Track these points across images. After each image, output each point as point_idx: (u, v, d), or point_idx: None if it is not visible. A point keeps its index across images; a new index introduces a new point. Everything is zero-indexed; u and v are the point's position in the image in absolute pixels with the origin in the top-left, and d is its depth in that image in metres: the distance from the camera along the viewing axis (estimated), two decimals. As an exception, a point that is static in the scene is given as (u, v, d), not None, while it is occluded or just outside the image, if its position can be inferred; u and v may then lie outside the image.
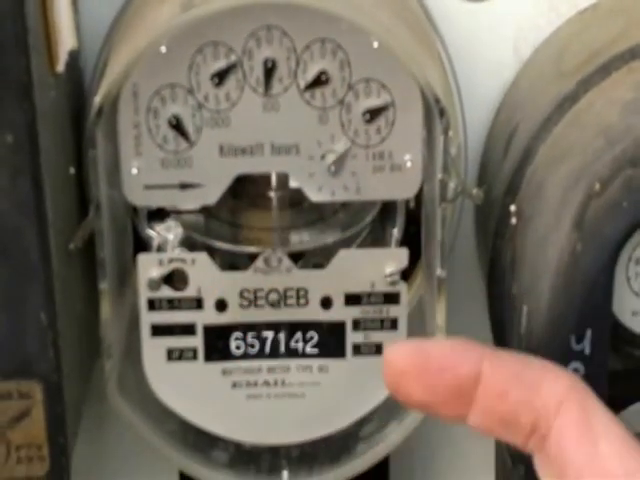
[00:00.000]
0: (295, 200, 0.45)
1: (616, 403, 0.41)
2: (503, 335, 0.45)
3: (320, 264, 0.44)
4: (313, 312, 0.43)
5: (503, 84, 0.50)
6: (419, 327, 0.45)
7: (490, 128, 0.51)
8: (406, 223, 0.45)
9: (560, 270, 0.38)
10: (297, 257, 0.44)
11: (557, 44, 0.48)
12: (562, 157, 0.42)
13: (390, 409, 0.44)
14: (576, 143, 0.42)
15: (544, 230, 0.41)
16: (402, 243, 0.45)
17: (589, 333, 0.38)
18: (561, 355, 0.38)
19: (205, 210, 0.45)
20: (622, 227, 0.37)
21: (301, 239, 0.44)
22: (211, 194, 0.43)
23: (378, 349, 0.44)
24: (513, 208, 0.45)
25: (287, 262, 0.43)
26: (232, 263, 0.45)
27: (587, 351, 0.38)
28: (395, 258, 0.43)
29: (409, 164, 0.42)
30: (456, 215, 0.49)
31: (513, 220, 0.44)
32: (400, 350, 0.35)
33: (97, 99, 0.40)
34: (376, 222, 0.45)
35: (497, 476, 0.48)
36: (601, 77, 0.43)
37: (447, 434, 0.57)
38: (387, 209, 0.45)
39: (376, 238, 0.46)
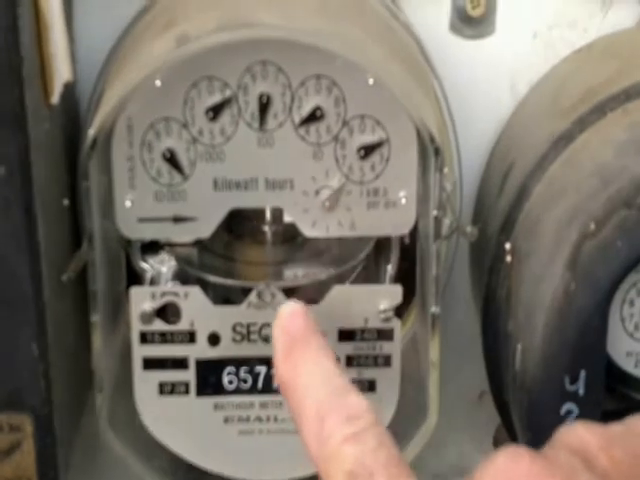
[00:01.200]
0: (289, 235, 0.45)
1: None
2: (498, 372, 0.45)
3: (314, 299, 0.43)
4: (306, 348, 0.44)
5: (499, 121, 0.51)
6: (412, 363, 0.44)
7: (486, 165, 0.51)
8: (400, 259, 0.45)
9: (554, 309, 0.38)
10: (291, 292, 0.44)
11: (553, 83, 0.49)
12: (557, 196, 0.42)
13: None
14: (571, 182, 0.42)
15: (539, 269, 0.41)
16: (396, 279, 0.45)
17: (583, 374, 0.38)
18: (555, 396, 0.38)
19: (199, 243, 0.45)
20: (616, 268, 0.37)
21: (295, 274, 0.44)
22: (205, 228, 0.43)
23: (371, 385, 0.43)
24: (508, 246, 0.44)
25: (280, 297, 0.43)
26: (226, 297, 0.45)
27: (581, 392, 0.38)
28: (389, 295, 0.43)
29: (404, 201, 0.42)
30: (451, 252, 0.49)
31: (508, 258, 0.44)
32: None
33: (91, 131, 0.40)
34: (370, 258, 0.45)
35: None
36: (596, 117, 0.44)
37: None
38: (381, 245, 0.45)
39: (370, 274, 0.45)
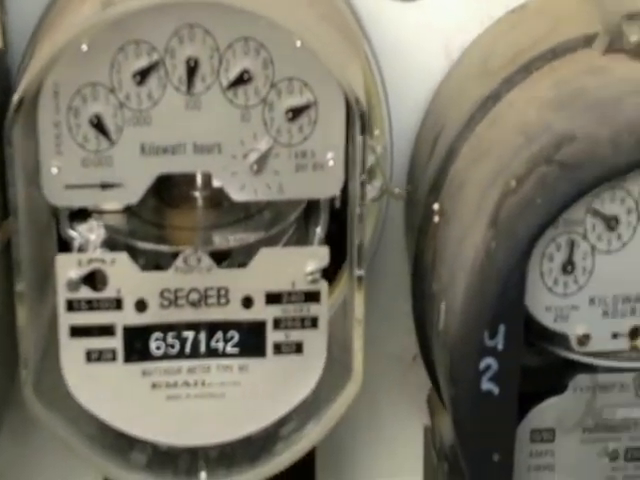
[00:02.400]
0: (219, 199, 0.44)
1: (530, 398, 0.42)
2: (425, 333, 0.45)
3: (244, 263, 0.43)
4: (234, 312, 0.43)
5: (433, 85, 0.51)
6: (342, 327, 0.45)
7: (419, 128, 0.51)
8: (337, 223, 0.45)
9: (474, 266, 0.38)
10: (220, 256, 0.44)
11: (485, 45, 0.49)
12: (482, 156, 0.43)
13: (309, 408, 0.44)
14: (496, 142, 0.42)
15: (463, 228, 0.41)
16: (332, 243, 0.45)
17: (502, 329, 0.38)
18: (474, 350, 0.38)
19: (128, 210, 0.45)
20: (535, 224, 0.37)
21: (224, 238, 0.44)
22: (133, 194, 0.42)
23: (299, 348, 0.43)
24: (436, 207, 0.45)
25: (207, 261, 0.43)
26: (157, 264, 0.44)
27: (500, 347, 0.38)
28: (316, 257, 0.43)
29: (331, 163, 0.42)
30: (382, 214, 0.49)
31: (436, 219, 0.45)
32: None
33: (15, 96, 0.40)
34: (301, 221, 0.45)
35: (425, 472, 0.48)
36: (523, 76, 0.44)
37: (375, 431, 0.58)
38: (313, 208, 0.45)
39: (301, 237, 0.45)
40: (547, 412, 0.41)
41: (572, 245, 0.39)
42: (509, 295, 0.38)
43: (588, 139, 0.37)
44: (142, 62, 0.41)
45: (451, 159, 0.45)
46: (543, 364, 0.41)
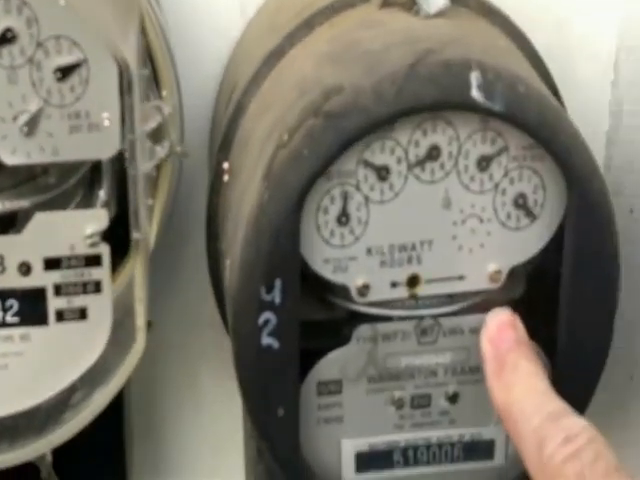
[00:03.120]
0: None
1: (319, 352, 0.41)
2: (219, 290, 0.45)
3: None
4: (11, 279, 0.42)
5: (230, 43, 0.51)
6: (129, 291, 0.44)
7: (219, 87, 0.51)
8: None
9: (250, 221, 0.38)
10: (12, 223, 0.43)
11: (276, 1, 0.49)
12: (264, 111, 0.42)
13: (96, 375, 0.43)
14: (276, 97, 0.42)
15: (244, 184, 0.41)
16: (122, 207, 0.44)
17: (278, 283, 0.38)
18: (252, 305, 0.38)
19: None
20: (304, 176, 0.37)
21: (2, 203, 0.43)
22: None
23: (82, 314, 0.42)
24: (226, 165, 0.45)
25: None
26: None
27: (277, 301, 0.38)
28: (95, 219, 0.41)
29: (107, 123, 0.41)
30: (176, 175, 0.48)
31: (226, 177, 0.44)
32: None
33: None
34: (86, 184, 0.44)
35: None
36: (305, 32, 0.44)
37: (194, 401, 0.58)
38: (98, 171, 0.44)
39: (90, 202, 0.44)
40: (332, 364, 0.41)
41: (345, 197, 0.39)
42: (283, 248, 0.38)
43: (353, 90, 0.37)
44: None
45: (239, 116, 0.44)
46: (328, 317, 0.41)
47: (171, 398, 0.58)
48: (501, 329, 0.39)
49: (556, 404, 0.36)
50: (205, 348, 0.57)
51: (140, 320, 0.41)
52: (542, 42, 0.50)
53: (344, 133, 0.37)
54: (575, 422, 0.35)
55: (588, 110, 0.55)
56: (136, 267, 0.41)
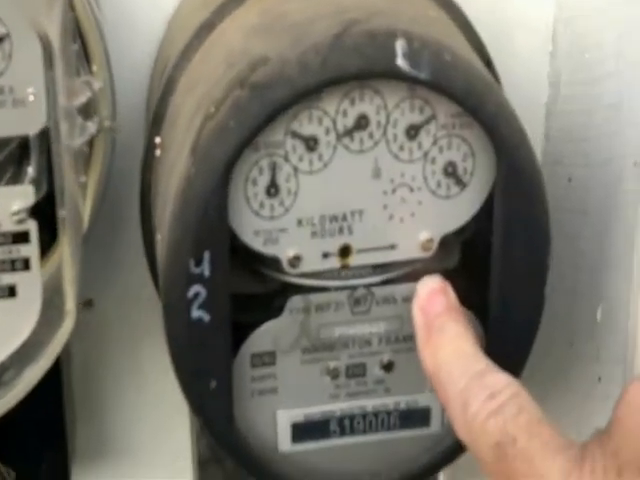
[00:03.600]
0: None
1: (247, 325, 0.41)
2: (154, 266, 0.45)
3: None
4: (-61, 258, 0.42)
5: (165, 17, 0.50)
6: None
7: (154, 62, 0.51)
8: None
9: (178, 195, 0.38)
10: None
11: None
12: (194, 85, 0.42)
13: (26, 353, 0.43)
14: (205, 70, 0.42)
15: (173, 158, 0.41)
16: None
17: (207, 255, 0.38)
18: (181, 279, 0.38)
19: None
20: (230, 147, 0.37)
21: None
22: None
23: (11, 291, 0.42)
24: (158, 140, 0.44)
25: None
26: None
27: (207, 273, 0.38)
28: (21, 196, 0.41)
29: (32, 98, 0.40)
30: (109, 151, 0.48)
31: (158, 152, 0.44)
32: None
33: None
34: (15, 161, 0.44)
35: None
36: (235, 5, 0.44)
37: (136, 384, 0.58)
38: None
39: (17, 178, 0.44)
40: (265, 336, 0.41)
41: (274, 168, 0.38)
42: (210, 221, 0.37)
43: (279, 61, 0.37)
44: None
45: (170, 91, 0.44)
46: (260, 289, 0.41)
47: (114, 377, 0.58)
48: (431, 296, 0.39)
49: (482, 364, 0.36)
50: (147, 325, 0.56)
51: (69, 298, 0.41)
52: (479, 14, 0.50)
53: (270, 104, 0.36)
54: (499, 378, 0.35)
55: (527, 82, 0.55)
56: (63, 245, 0.40)
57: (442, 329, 0.38)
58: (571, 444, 0.32)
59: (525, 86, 0.56)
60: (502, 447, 0.33)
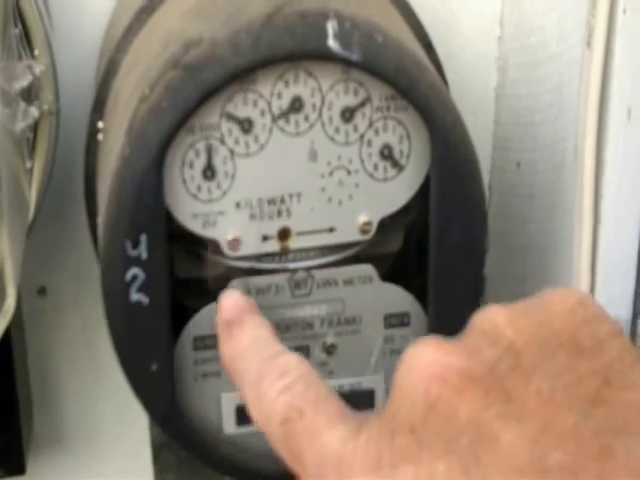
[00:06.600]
0: None
1: (188, 308, 0.42)
2: (98, 253, 0.45)
3: None
4: None
5: (112, 1, 0.50)
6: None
7: (101, 45, 0.51)
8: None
9: (113, 176, 0.38)
10: None
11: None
12: (132, 67, 0.42)
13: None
14: (144, 52, 0.42)
15: (112, 141, 0.41)
16: None
17: (144, 238, 0.38)
18: (119, 262, 0.38)
19: None
20: (164, 128, 0.37)
21: None
22: None
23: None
24: (101, 125, 0.44)
25: None
26: None
27: (144, 256, 0.38)
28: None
29: (-29, 84, 0.41)
30: (53, 136, 0.48)
31: (100, 136, 0.44)
32: None
33: None
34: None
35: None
36: (177, -13, 0.44)
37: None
38: None
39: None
40: (207, 319, 0.41)
41: (210, 150, 0.39)
42: (146, 203, 0.37)
43: (211, 42, 0.37)
44: None
45: (112, 74, 0.44)
46: (201, 273, 0.41)
47: (70, 363, 0.58)
48: (233, 306, 0.39)
49: (277, 347, 0.36)
50: (100, 312, 0.57)
51: (10, 281, 0.41)
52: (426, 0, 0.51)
53: (202, 85, 0.37)
54: (289, 358, 0.35)
55: (476, 67, 0.56)
56: (1, 228, 0.40)
57: (242, 322, 0.38)
58: (356, 417, 0.32)
59: (474, 72, 0.56)
60: (290, 423, 0.33)
